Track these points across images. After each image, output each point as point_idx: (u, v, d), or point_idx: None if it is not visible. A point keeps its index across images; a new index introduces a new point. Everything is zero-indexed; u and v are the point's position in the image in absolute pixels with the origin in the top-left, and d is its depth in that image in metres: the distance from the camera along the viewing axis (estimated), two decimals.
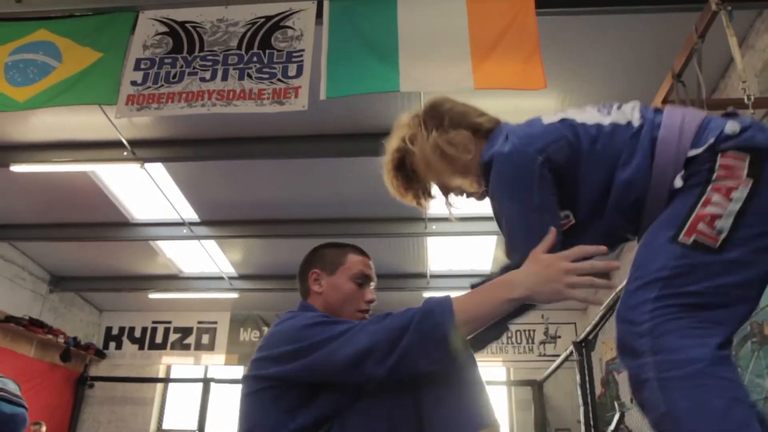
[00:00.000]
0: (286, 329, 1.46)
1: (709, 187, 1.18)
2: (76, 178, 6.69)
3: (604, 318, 6.31)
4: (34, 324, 8.74)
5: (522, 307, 1.42)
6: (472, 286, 1.54)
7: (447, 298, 1.36)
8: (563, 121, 1.44)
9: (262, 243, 8.22)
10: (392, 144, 1.67)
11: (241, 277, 9.30)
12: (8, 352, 8.40)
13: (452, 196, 1.78)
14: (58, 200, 7.27)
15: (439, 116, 1.62)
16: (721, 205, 1.15)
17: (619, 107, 1.45)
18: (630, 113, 1.41)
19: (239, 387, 1.61)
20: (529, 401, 9.62)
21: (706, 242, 1.14)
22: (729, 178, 1.16)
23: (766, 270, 1.16)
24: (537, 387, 9.58)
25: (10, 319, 8.29)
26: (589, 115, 1.46)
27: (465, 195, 1.73)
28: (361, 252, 1.74)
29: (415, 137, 1.60)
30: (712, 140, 1.21)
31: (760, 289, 1.17)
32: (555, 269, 1.28)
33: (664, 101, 4.42)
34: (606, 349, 8.00)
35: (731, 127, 1.21)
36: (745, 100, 3.59)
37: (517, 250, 1.41)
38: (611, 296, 5.87)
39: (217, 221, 7.62)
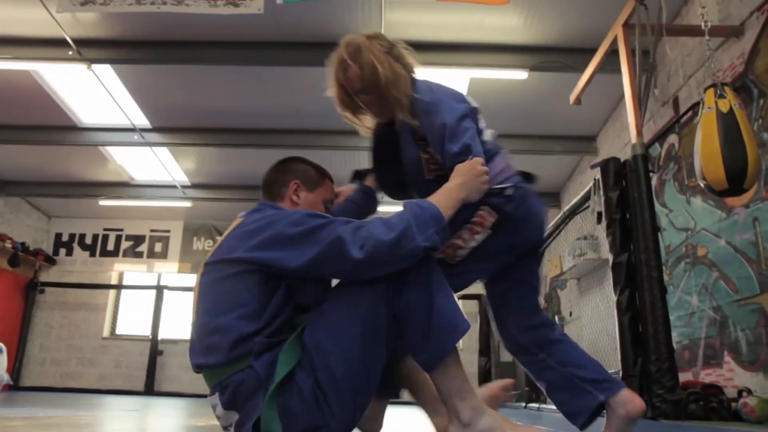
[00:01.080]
0: (284, 215, 1.47)
1: (467, 225, 1.65)
2: (17, 77, 6.36)
3: (550, 237, 6.55)
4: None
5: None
6: (357, 173, 2.03)
7: (431, 204, 1.50)
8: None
9: (216, 152, 8.09)
10: (339, 54, 1.84)
11: (195, 186, 9.19)
12: None
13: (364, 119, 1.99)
14: (1, 102, 6.92)
15: (385, 40, 1.87)
16: (464, 240, 1.65)
17: (487, 127, 1.87)
18: (490, 137, 1.85)
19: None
20: (475, 314, 10.04)
21: (446, 259, 1.65)
22: (479, 225, 1.66)
23: (475, 278, 1.75)
24: (484, 300, 10.00)
25: None
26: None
27: (384, 117, 1.91)
28: (332, 181, 1.85)
29: (359, 52, 1.80)
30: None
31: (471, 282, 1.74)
32: (478, 173, 1.61)
33: (625, 24, 4.43)
34: (551, 266, 8.36)
35: (508, 190, 1.68)
36: (702, 26, 3.63)
37: (462, 153, 1.67)
38: (558, 217, 6.07)
39: (170, 128, 7.43)
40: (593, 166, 4.23)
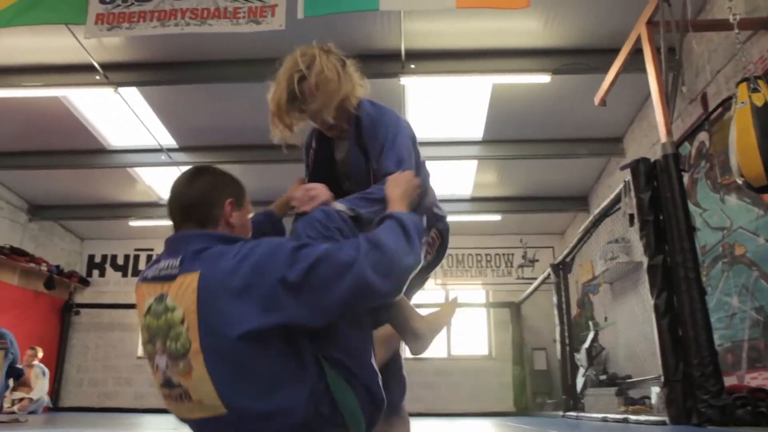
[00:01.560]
0: (263, 254, 1.32)
1: (423, 240, 1.80)
2: (48, 103, 6.49)
3: (581, 241, 6.44)
4: (16, 252, 8.71)
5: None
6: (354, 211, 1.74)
7: (411, 215, 1.58)
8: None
9: (241, 169, 8.12)
10: (294, 63, 1.84)
11: None
12: None
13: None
14: (31, 127, 7.07)
15: (336, 54, 1.90)
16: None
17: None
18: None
19: None
20: (507, 322, 9.93)
21: None
22: (430, 246, 1.94)
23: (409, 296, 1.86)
24: (515, 308, 9.87)
25: None
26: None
27: (326, 126, 1.94)
28: None
29: (313, 61, 1.83)
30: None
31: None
32: (415, 184, 1.74)
33: (648, 22, 4.35)
34: (582, 271, 8.21)
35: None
36: (731, 20, 3.54)
37: (403, 163, 1.80)
38: (588, 221, 5.96)
39: (196, 147, 7.51)
40: (623, 168, 4.14)
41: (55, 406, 9.54)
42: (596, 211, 5.60)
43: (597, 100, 5.41)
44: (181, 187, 1.51)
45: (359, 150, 1.93)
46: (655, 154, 4.11)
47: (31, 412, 7.17)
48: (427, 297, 10.41)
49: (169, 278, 1.36)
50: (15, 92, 6.01)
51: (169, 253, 1.42)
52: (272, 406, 1.29)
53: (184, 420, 1.40)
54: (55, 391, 9.64)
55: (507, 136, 7.19)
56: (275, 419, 1.31)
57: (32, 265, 9.03)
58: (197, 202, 1.47)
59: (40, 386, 7.73)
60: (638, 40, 4.45)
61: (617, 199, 4.43)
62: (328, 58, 1.85)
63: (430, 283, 9.12)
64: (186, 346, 1.29)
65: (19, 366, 4.37)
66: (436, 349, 9.97)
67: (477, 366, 9.94)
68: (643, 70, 4.37)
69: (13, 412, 6.63)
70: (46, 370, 7.98)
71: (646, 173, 3.81)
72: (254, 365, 1.28)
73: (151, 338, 1.38)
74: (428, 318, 1.87)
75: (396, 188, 1.69)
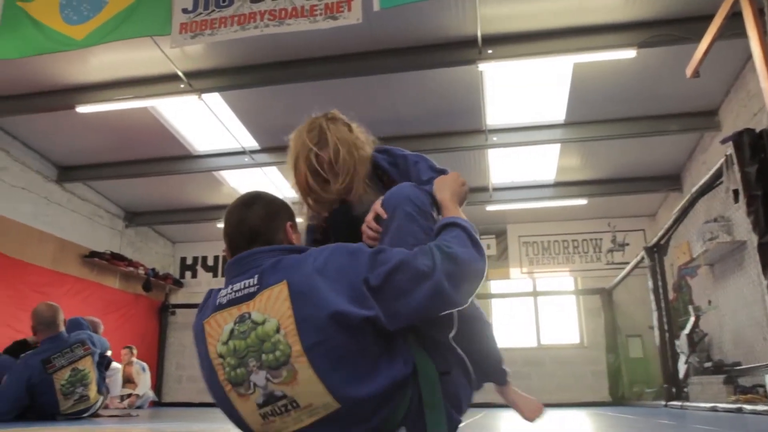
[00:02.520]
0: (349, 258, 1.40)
1: None
2: (138, 115, 6.82)
3: (677, 222, 6.13)
4: (116, 258, 9.23)
5: None
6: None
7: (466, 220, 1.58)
8: None
9: None
10: (304, 143, 1.88)
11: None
12: (96, 285, 8.94)
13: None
14: (123, 138, 7.47)
15: (341, 120, 1.97)
16: None
17: None
18: None
19: None
20: (599, 309, 9.62)
21: None
22: None
23: None
24: (606, 295, 9.54)
25: (93, 254, 8.78)
26: None
27: (341, 192, 1.91)
28: None
29: (325, 133, 1.87)
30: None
31: None
32: (462, 182, 1.77)
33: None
34: (678, 253, 7.81)
35: None
36: None
37: (436, 167, 1.89)
38: (685, 200, 5.66)
39: (277, 147, 7.67)
40: (724, 141, 3.90)
41: (159, 401, 10.07)
42: (693, 189, 5.31)
43: (689, 71, 5.11)
44: (241, 215, 1.56)
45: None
46: (756, 125, 3.84)
47: (138, 407, 7.58)
48: (513, 286, 10.26)
49: (249, 297, 1.40)
50: (108, 106, 6.34)
51: (239, 275, 1.46)
52: (379, 386, 1.34)
53: None
54: (157, 388, 10.17)
55: (591, 116, 6.93)
56: (388, 401, 1.36)
57: (131, 269, 9.55)
58: (262, 228, 1.53)
59: (142, 382, 8.16)
60: (735, 3, 4.17)
61: (717, 175, 4.19)
62: (337, 127, 1.90)
63: (516, 272, 9.00)
64: (287, 351, 1.32)
65: (107, 354, 4.62)
66: (525, 339, 9.81)
67: (568, 355, 9.68)
68: (741, 35, 4.09)
69: (125, 408, 7.04)
70: (146, 366, 8.41)
71: (751, 145, 3.58)
72: (352, 348, 1.32)
73: (240, 361, 1.38)
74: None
75: (445, 191, 1.70)
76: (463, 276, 1.41)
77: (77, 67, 6.04)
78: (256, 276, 1.41)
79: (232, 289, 1.44)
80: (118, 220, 9.74)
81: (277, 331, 1.33)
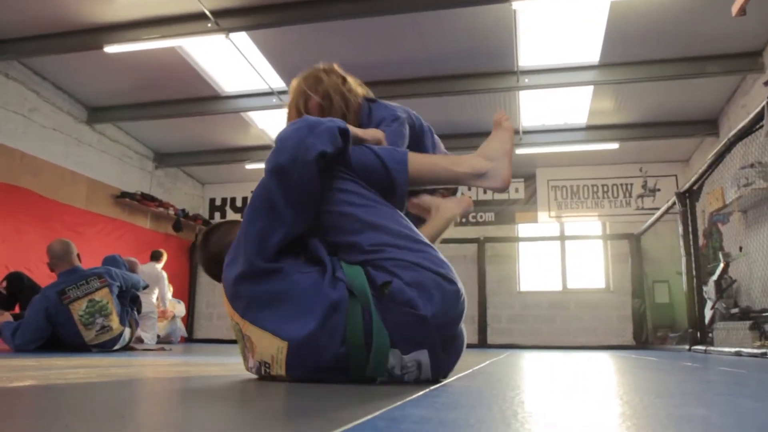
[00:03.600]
0: None
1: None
2: (166, 55, 6.82)
3: (712, 167, 6.02)
4: (146, 198, 9.43)
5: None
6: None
7: (405, 151, 1.79)
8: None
9: None
10: (299, 86, 2.08)
11: None
12: (128, 225, 9.17)
13: None
14: (151, 79, 7.50)
15: (339, 73, 2.12)
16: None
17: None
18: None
19: None
20: (626, 255, 9.61)
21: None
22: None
23: None
24: (634, 240, 9.51)
25: (124, 194, 8.98)
26: None
27: None
28: None
29: (320, 81, 2.06)
30: None
31: None
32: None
33: None
34: (711, 199, 7.70)
35: None
36: None
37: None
38: (721, 144, 5.55)
39: None
40: None
41: (190, 337, 10.46)
42: (730, 133, 5.19)
43: (735, 9, 4.91)
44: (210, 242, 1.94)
45: None
46: None
47: (169, 342, 7.88)
48: (540, 230, 10.27)
49: None
50: (136, 46, 6.35)
51: None
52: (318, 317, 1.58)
53: None
54: (189, 324, 10.54)
55: (626, 58, 6.74)
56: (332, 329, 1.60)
57: (161, 209, 9.76)
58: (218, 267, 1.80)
59: (178, 309, 8.46)
60: None
61: (757, 119, 4.09)
62: (330, 78, 2.08)
63: (543, 215, 8.99)
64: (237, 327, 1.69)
65: (138, 293, 4.78)
66: (550, 282, 9.88)
67: (594, 299, 9.75)
68: None
69: (160, 341, 7.35)
70: (182, 302, 8.73)
71: None
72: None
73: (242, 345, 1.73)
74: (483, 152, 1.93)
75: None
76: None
77: (104, 6, 6.03)
78: None
79: None
80: (148, 161, 9.89)
81: (233, 321, 1.66)
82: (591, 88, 7.42)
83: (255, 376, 1.68)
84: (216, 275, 1.84)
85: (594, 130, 8.67)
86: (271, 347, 1.51)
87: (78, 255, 4.53)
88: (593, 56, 6.77)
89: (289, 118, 2.07)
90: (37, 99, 7.50)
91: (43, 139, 7.59)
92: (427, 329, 1.50)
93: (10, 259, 6.76)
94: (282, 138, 1.57)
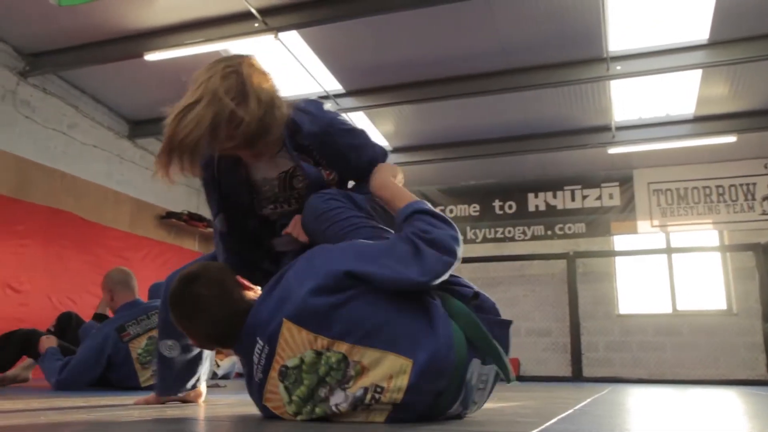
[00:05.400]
0: None
1: None
2: (209, 59, 6.92)
3: None
4: (194, 218, 9.66)
5: None
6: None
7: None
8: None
9: (415, 109, 8.19)
10: (215, 88, 1.81)
11: (396, 150, 9.43)
12: (175, 248, 9.41)
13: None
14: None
15: (261, 70, 1.92)
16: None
17: None
18: None
19: None
20: (752, 269, 9.08)
21: None
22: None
23: None
24: (761, 251, 8.99)
25: (170, 214, 9.22)
26: None
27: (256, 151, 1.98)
28: None
29: (242, 86, 1.80)
30: None
31: None
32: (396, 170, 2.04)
33: None
34: None
35: None
36: None
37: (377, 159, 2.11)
38: None
39: (363, 90, 7.66)
40: None
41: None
42: None
43: None
44: (198, 331, 1.84)
45: (303, 159, 2.02)
46: None
47: (225, 377, 7.98)
48: (641, 242, 9.92)
49: (270, 357, 1.72)
50: (178, 52, 6.50)
51: (246, 351, 1.78)
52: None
53: None
54: None
55: (742, 33, 6.38)
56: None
57: (210, 229, 9.96)
58: (225, 326, 1.81)
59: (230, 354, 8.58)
60: None
61: None
62: (257, 75, 1.87)
63: (644, 225, 8.68)
64: (338, 357, 1.68)
65: None
66: (657, 304, 9.50)
67: (712, 323, 9.24)
68: None
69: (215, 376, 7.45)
70: None
71: None
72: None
73: (312, 401, 1.69)
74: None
75: (386, 179, 1.96)
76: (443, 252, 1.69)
77: (143, 10, 6.21)
78: (260, 339, 1.67)
79: (257, 363, 1.70)
80: (194, 178, 10.10)
81: (318, 354, 1.60)
82: (699, 71, 7.08)
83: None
84: (221, 341, 1.83)
85: (704, 122, 8.27)
86: (393, 368, 1.58)
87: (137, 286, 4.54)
88: (701, 34, 6.45)
89: (179, 120, 1.80)
90: (76, 114, 7.80)
91: (84, 158, 7.88)
92: (508, 335, 1.82)
93: (53, 288, 7.03)
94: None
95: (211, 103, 1.74)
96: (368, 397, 1.58)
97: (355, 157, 2.07)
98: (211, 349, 1.96)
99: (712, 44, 6.56)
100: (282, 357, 1.63)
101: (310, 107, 2.05)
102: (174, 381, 2.53)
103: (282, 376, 1.64)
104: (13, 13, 6.34)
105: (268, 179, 2.09)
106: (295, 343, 1.61)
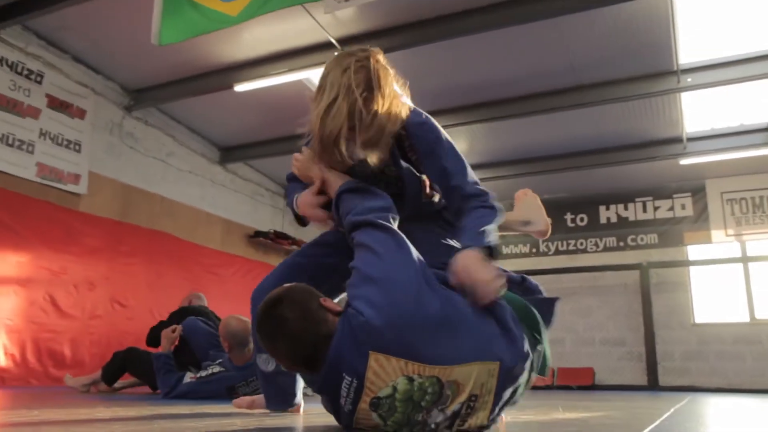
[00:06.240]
0: None
1: None
2: (291, 88, 7.11)
3: None
4: (280, 236, 9.86)
5: None
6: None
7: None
8: None
9: (487, 128, 8.13)
10: (343, 83, 1.79)
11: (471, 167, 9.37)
12: (263, 264, 9.62)
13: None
14: (278, 114, 7.86)
15: (383, 62, 1.88)
16: None
17: None
18: None
19: None
20: None
21: None
22: None
23: None
24: None
25: (258, 234, 9.45)
26: None
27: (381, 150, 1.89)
28: None
29: (370, 80, 1.77)
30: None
31: None
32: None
33: None
34: None
35: None
36: None
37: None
38: None
39: (437, 110, 7.65)
40: None
41: None
42: None
43: None
44: (286, 350, 1.68)
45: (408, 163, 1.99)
46: None
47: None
48: (715, 252, 9.51)
49: (358, 391, 1.59)
50: (264, 82, 6.69)
51: (332, 386, 1.64)
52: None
53: None
54: None
55: None
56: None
57: (294, 247, 10.14)
58: (314, 348, 1.64)
59: None
60: None
61: None
62: (386, 72, 1.83)
63: (719, 234, 8.32)
64: (432, 380, 1.59)
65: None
66: (733, 313, 9.07)
67: None
68: None
69: None
70: None
71: None
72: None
73: (409, 427, 1.63)
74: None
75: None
76: None
77: (232, 45, 6.43)
78: (347, 375, 1.57)
79: (345, 396, 1.59)
80: (279, 197, 10.36)
81: (411, 381, 1.53)
82: None
83: None
84: (307, 364, 1.67)
85: None
86: (481, 375, 1.57)
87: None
88: None
89: (323, 116, 1.79)
90: (173, 143, 8.13)
91: (179, 183, 8.19)
92: (554, 311, 1.86)
93: (155, 303, 7.31)
94: None
95: (346, 96, 1.75)
96: (464, 409, 1.57)
97: (446, 171, 1.99)
98: (297, 371, 1.84)
99: None
100: (372, 390, 1.55)
101: (420, 117, 2.04)
102: (276, 395, 2.51)
103: (374, 407, 1.56)
104: (118, 55, 6.70)
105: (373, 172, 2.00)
106: (386, 372, 1.53)
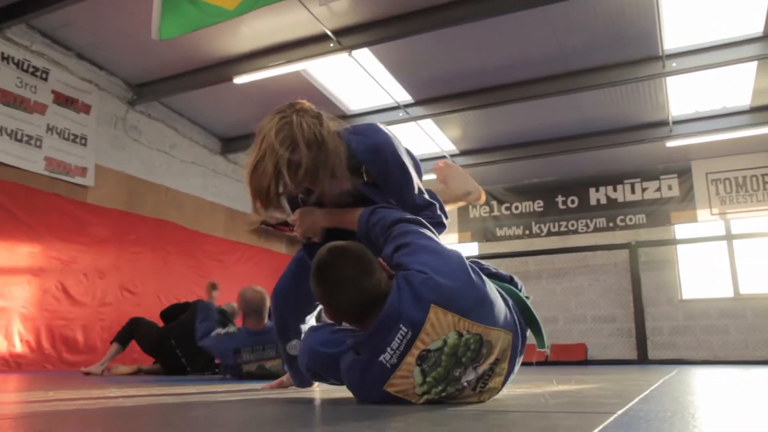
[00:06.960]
0: None
1: None
2: (290, 79, 7.11)
3: None
4: (281, 224, 9.85)
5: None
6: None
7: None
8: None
9: (480, 114, 8.13)
10: (270, 144, 1.82)
11: (463, 153, 9.39)
12: (265, 251, 9.65)
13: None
14: (278, 104, 7.78)
15: (312, 113, 1.91)
16: None
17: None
18: None
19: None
20: None
21: None
22: None
23: None
24: None
25: (261, 221, 9.44)
26: None
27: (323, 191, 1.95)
28: None
29: (295, 139, 1.80)
30: None
31: None
32: None
33: None
34: None
35: None
36: None
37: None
38: None
39: (431, 99, 7.66)
40: None
41: None
42: None
43: None
44: (349, 296, 1.69)
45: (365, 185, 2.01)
46: None
47: None
48: (701, 230, 9.54)
49: (411, 341, 1.63)
50: (263, 74, 6.67)
51: (385, 338, 1.64)
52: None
53: None
54: None
55: None
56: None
57: (296, 233, 10.14)
58: (373, 296, 1.69)
59: None
60: None
61: None
62: (305, 119, 1.84)
63: (704, 213, 8.35)
64: (476, 338, 1.67)
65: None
66: (718, 288, 9.12)
67: None
68: None
69: None
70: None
71: None
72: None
73: (446, 382, 1.68)
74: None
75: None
76: None
77: (230, 38, 6.41)
78: (403, 326, 1.60)
79: (395, 349, 1.62)
80: None
81: (460, 336, 1.62)
82: (754, 64, 6.76)
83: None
84: (359, 317, 1.71)
85: (761, 112, 7.88)
86: (504, 343, 1.70)
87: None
88: (755, 27, 6.16)
89: (252, 174, 1.85)
90: (176, 135, 8.11)
91: (183, 173, 8.19)
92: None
93: (162, 289, 7.34)
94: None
95: (270, 155, 1.80)
96: (489, 370, 1.70)
97: (399, 187, 2.03)
98: (344, 322, 1.78)
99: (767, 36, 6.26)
100: (424, 341, 1.60)
101: (362, 128, 2.06)
102: (302, 375, 2.59)
103: (421, 359, 1.61)
104: (121, 51, 6.68)
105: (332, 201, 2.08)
106: (440, 326, 1.60)
